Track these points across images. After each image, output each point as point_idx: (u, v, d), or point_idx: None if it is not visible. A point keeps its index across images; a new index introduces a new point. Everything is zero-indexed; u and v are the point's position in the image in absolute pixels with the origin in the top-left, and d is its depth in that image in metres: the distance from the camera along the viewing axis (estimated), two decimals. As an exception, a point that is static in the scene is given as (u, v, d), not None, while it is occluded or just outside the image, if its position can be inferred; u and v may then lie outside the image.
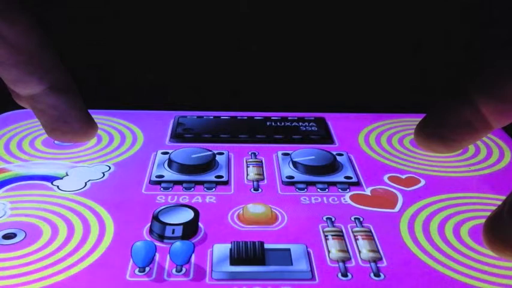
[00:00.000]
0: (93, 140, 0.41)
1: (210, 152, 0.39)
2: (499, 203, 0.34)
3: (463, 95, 0.24)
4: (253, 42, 0.50)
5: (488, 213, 0.33)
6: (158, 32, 0.50)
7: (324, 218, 0.32)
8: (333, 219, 0.32)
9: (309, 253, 0.29)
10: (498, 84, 0.23)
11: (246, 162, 0.39)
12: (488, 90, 0.24)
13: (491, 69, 0.24)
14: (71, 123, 0.28)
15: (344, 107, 0.47)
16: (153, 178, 0.36)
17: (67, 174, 0.36)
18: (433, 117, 0.26)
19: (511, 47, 0.23)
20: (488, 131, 0.25)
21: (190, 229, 0.30)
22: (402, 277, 0.27)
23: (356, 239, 0.30)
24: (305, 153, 0.39)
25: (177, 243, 0.28)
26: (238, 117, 0.46)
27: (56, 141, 0.41)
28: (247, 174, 0.37)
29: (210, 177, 0.36)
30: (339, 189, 0.35)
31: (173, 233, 0.30)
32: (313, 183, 0.36)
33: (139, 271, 0.27)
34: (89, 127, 0.29)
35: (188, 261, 0.28)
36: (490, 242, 0.22)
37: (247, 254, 0.28)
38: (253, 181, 0.36)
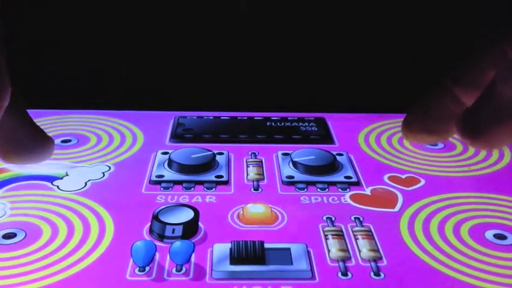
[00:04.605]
0: (93, 140, 0.42)
1: (210, 152, 0.39)
2: (499, 202, 0.34)
3: (443, 89, 0.25)
4: (253, 42, 0.50)
5: (488, 213, 0.33)
6: (158, 32, 0.50)
7: (324, 218, 0.32)
8: (333, 219, 0.32)
9: (309, 252, 0.29)
10: (475, 75, 0.25)
11: (246, 162, 0.39)
12: (467, 81, 0.25)
13: (467, 62, 0.25)
14: (22, 141, 0.25)
15: (344, 107, 0.47)
16: (153, 178, 0.36)
17: (67, 174, 0.36)
18: (418, 114, 0.26)
19: (483, 44, 0.25)
20: None
21: (190, 229, 0.30)
22: (402, 276, 0.27)
23: (356, 239, 0.30)
24: (305, 153, 0.39)
25: (177, 243, 0.28)
26: (238, 118, 0.46)
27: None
28: (247, 174, 0.37)
29: (210, 177, 0.36)
30: (339, 189, 0.35)
31: (173, 232, 0.30)
32: (313, 183, 0.36)
33: (140, 270, 0.27)
34: (43, 143, 0.26)
35: (188, 260, 0.28)
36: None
37: (247, 253, 0.28)
38: (253, 181, 0.36)
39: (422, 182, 0.36)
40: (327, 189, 0.35)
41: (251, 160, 0.39)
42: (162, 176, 0.36)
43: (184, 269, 0.27)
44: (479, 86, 0.24)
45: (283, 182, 0.36)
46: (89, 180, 0.36)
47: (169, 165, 0.37)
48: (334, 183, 0.36)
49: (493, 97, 0.23)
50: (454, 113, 0.25)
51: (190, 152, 0.39)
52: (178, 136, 0.42)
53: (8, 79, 0.23)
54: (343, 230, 0.31)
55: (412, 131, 0.26)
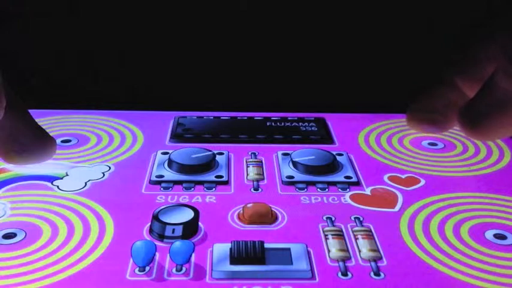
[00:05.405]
0: (93, 140, 0.42)
1: (210, 152, 0.39)
2: (499, 202, 0.34)
3: (447, 82, 0.26)
4: (254, 42, 0.50)
5: (488, 213, 0.33)
6: (158, 31, 0.50)
7: (324, 218, 0.32)
8: (333, 219, 0.32)
9: (309, 252, 0.29)
10: (477, 68, 0.26)
11: (246, 162, 0.39)
12: (469, 73, 0.27)
13: (469, 56, 0.27)
14: (23, 141, 0.25)
15: (344, 107, 0.47)
16: (153, 178, 0.36)
17: (67, 174, 0.36)
18: (422, 104, 0.27)
19: (483, 39, 0.26)
20: None
21: (190, 229, 0.30)
22: (402, 276, 0.27)
23: (356, 239, 0.30)
24: (305, 153, 0.39)
25: (177, 243, 0.28)
26: (238, 118, 0.46)
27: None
28: (247, 174, 0.37)
29: (210, 177, 0.36)
30: (339, 189, 0.35)
31: (173, 232, 0.30)
32: (313, 183, 0.36)
33: (140, 270, 0.27)
34: (45, 143, 0.25)
35: (188, 260, 0.28)
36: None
37: (247, 253, 0.28)
38: (253, 181, 0.36)
39: (422, 182, 0.36)
40: (327, 189, 0.35)
41: (251, 160, 0.39)
42: (162, 176, 0.36)
43: (184, 269, 0.28)
44: (481, 78, 0.25)
45: (283, 182, 0.36)
46: (89, 180, 0.36)
47: (169, 165, 0.37)
48: (334, 183, 0.36)
49: (492, 90, 0.23)
50: (456, 104, 0.26)
51: (190, 152, 0.39)
52: (178, 136, 0.42)
53: (1, 81, 0.23)
54: (343, 230, 0.31)
55: (416, 120, 0.27)
